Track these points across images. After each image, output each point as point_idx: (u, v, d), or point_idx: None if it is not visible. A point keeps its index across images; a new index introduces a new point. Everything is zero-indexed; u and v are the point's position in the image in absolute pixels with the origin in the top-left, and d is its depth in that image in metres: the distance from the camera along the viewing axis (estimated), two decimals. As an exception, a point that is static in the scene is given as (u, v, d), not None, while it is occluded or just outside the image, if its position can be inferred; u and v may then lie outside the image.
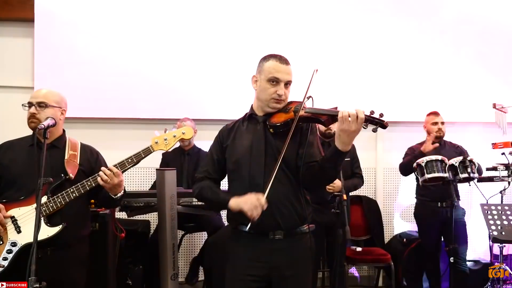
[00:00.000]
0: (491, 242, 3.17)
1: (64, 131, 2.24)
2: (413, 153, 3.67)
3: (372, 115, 1.68)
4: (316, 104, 1.87)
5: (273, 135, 1.88)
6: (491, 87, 4.30)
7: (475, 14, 4.40)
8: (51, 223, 1.98)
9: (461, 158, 3.27)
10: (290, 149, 1.83)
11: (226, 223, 3.33)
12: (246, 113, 2.02)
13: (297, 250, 1.89)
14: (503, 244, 3.26)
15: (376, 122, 1.69)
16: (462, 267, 3.48)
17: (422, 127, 3.86)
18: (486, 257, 4.31)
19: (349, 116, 1.64)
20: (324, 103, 3.42)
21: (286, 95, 1.92)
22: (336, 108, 1.84)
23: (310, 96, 1.88)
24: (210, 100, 4.03)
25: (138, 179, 4.13)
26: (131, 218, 3.66)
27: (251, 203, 1.74)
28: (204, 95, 4.04)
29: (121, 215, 3.60)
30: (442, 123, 3.71)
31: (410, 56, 4.35)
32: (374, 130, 1.70)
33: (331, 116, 1.77)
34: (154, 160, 3.31)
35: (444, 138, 3.78)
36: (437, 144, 3.55)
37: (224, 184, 2.03)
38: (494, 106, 3.44)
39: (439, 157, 3.34)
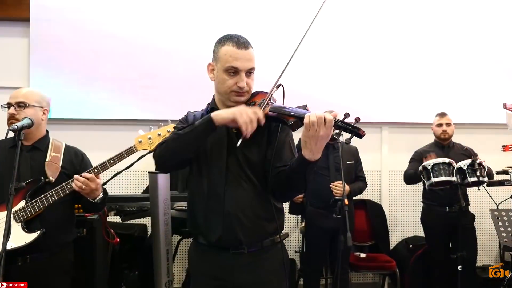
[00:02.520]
0: (501, 250, 3.00)
1: (47, 132, 2.14)
2: (420, 160, 3.50)
3: (343, 120, 1.43)
4: (298, 97, 1.58)
5: (236, 134, 1.57)
6: (502, 88, 4.13)
7: (485, 13, 4.24)
8: (29, 228, 1.88)
9: (469, 161, 3.10)
10: (256, 151, 1.60)
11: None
12: (208, 104, 1.72)
13: (264, 266, 1.63)
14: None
15: (348, 130, 1.41)
16: (471, 275, 3.31)
17: (429, 129, 3.73)
18: (495, 263, 4.14)
19: (316, 120, 1.37)
20: (326, 105, 3.36)
21: (250, 85, 1.59)
22: (306, 106, 1.52)
23: (280, 85, 1.56)
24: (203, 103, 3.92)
25: (132, 183, 4.02)
26: (128, 222, 3.55)
27: (247, 115, 1.45)
28: (198, 97, 3.93)
29: (117, 219, 3.49)
30: (448, 124, 3.55)
31: (418, 56, 4.20)
32: (347, 142, 1.46)
33: (299, 119, 1.46)
34: (148, 163, 3.19)
35: (453, 140, 3.63)
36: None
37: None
38: (505, 106, 3.28)
39: (446, 160, 3.18)
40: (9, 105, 2.03)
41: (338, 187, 3.14)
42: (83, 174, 1.93)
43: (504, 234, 2.76)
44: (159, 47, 3.99)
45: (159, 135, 2.01)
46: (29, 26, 3.88)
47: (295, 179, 1.52)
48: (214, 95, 1.70)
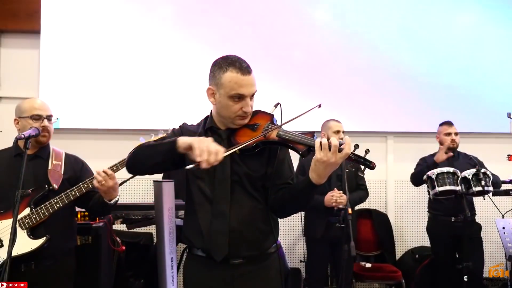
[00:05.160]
0: (507, 261, 2.98)
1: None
2: (425, 163, 3.52)
3: (354, 152, 1.47)
4: (291, 110, 1.58)
5: (239, 156, 1.61)
6: (506, 97, 4.12)
7: (488, 23, 4.24)
8: (34, 235, 1.92)
9: (474, 170, 3.09)
10: (256, 168, 1.63)
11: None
12: (205, 121, 1.72)
13: (262, 274, 1.66)
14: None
15: (361, 162, 1.46)
16: (478, 286, 3.27)
17: (434, 138, 3.71)
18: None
19: (330, 147, 1.39)
20: (332, 116, 3.39)
21: (252, 107, 1.63)
22: (312, 135, 1.54)
23: (278, 103, 1.62)
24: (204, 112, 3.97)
25: (138, 191, 4.06)
26: (134, 230, 3.59)
27: (207, 146, 1.41)
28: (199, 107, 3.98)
29: (123, 227, 3.53)
30: (456, 133, 3.55)
31: (423, 66, 4.21)
32: (361, 174, 1.50)
33: (309, 147, 1.49)
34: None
35: (458, 149, 3.61)
36: (451, 154, 3.38)
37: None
38: (510, 115, 3.27)
39: (451, 169, 3.17)
40: (39, 116, 2.08)
41: (335, 196, 3.10)
42: (104, 169, 1.97)
43: (510, 244, 2.73)
44: (168, 58, 4.05)
45: None
46: (39, 38, 3.97)
47: (300, 199, 1.59)
48: (211, 114, 1.71)
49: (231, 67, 1.57)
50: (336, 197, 3.09)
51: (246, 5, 4.12)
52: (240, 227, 1.61)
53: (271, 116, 1.65)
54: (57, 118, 2.13)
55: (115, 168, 2.05)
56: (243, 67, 1.57)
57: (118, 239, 2.97)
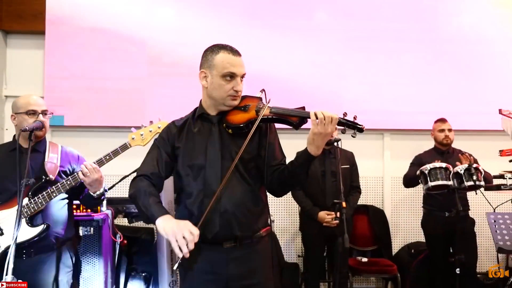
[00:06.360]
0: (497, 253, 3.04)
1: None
2: (420, 164, 3.56)
3: (345, 117, 1.62)
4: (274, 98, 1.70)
5: (230, 136, 1.73)
6: (499, 95, 4.17)
7: (482, 22, 4.31)
8: (32, 224, 2.02)
9: (466, 165, 3.16)
10: (248, 150, 1.70)
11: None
12: (195, 110, 1.83)
13: (255, 257, 1.75)
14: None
15: (351, 126, 1.61)
16: (472, 279, 3.34)
17: (430, 135, 3.79)
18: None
19: (324, 118, 1.55)
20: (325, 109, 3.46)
21: (242, 90, 1.75)
22: (303, 108, 1.68)
23: (263, 89, 1.73)
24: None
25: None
26: (135, 225, 3.69)
27: (181, 237, 1.52)
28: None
29: (124, 222, 3.62)
30: (450, 130, 3.62)
31: (418, 64, 4.28)
32: (353, 135, 1.63)
33: (302, 118, 1.64)
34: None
35: (453, 146, 3.69)
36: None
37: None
38: (500, 112, 3.33)
39: (443, 165, 3.24)
40: (34, 111, 2.17)
41: (327, 219, 3.28)
42: (90, 163, 2.08)
43: (499, 237, 2.80)
44: (170, 55, 4.14)
45: (150, 131, 2.17)
46: (44, 39, 4.09)
47: (299, 174, 1.68)
48: (201, 102, 1.81)
49: (222, 49, 1.72)
50: (327, 220, 3.28)
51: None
52: (232, 208, 1.68)
53: (259, 98, 1.75)
54: (52, 113, 2.21)
55: (100, 162, 2.15)
56: (233, 49, 1.73)
57: (120, 233, 3.07)
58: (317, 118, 1.57)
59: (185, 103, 3.95)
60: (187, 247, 1.52)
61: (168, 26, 4.18)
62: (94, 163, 2.10)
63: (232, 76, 1.69)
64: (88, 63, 4.10)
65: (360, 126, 1.61)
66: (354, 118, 1.64)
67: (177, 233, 1.53)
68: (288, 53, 4.18)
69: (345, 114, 1.64)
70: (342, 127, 1.65)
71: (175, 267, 1.57)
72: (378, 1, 4.31)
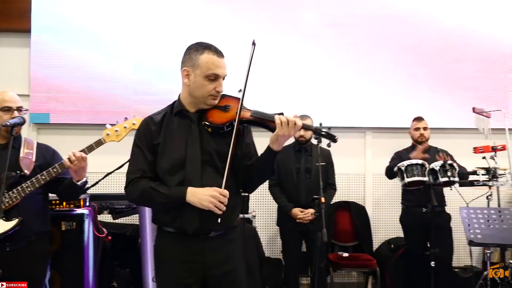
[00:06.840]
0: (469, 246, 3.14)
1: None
2: (400, 158, 3.68)
3: (321, 128, 1.80)
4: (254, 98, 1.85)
5: (209, 134, 1.78)
6: (474, 95, 4.31)
7: (458, 23, 4.43)
8: (7, 218, 2.06)
9: (441, 162, 3.27)
10: (226, 145, 1.76)
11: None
12: (172, 106, 1.87)
13: (229, 245, 1.83)
14: (491, 250, 3.25)
15: (326, 136, 1.77)
16: (447, 272, 3.45)
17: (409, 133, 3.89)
18: (477, 265, 4.27)
19: (288, 123, 1.69)
20: (310, 112, 3.53)
21: (222, 90, 1.81)
22: (282, 113, 1.76)
23: (240, 89, 1.80)
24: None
25: (123, 182, 4.18)
26: (121, 222, 3.73)
27: (214, 200, 1.67)
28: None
29: (109, 218, 3.66)
30: (425, 128, 3.72)
31: (399, 65, 4.38)
32: (328, 145, 1.76)
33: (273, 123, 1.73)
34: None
35: (430, 143, 3.79)
36: (427, 155, 3.50)
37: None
38: (474, 110, 3.44)
39: (420, 161, 3.34)
40: (9, 108, 2.20)
41: (300, 216, 3.39)
42: (77, 152, 2.14)
43: (471, 231, 2.90)
44: (158, 53, 4.21)
45: (125, 127, 2.22)
46: (30, 37, 4.12)
47: (266, 169, 1.81)
48: (180, 98, 1.86)
49: (207, 49, 1.76)
50: (300, 216, 3.39)
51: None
52: None
53: (238, 98, 1.80)
54: (27, 109, 2.26)
55: (84, 152, 2.21)
56: (218, 51, 1.77)
57: (103, 228, 3.11)
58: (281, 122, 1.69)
59: (170, 102, 4.13)
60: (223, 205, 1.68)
61: (154, 26, 4.24)
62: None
63: (215, 77, 1.75)
64: (74, 62, 4.15)
65: (334, 137, 1.76)
66: (329, 128, 1.76)
67: (207, 198, 1.68)
68: (270, 53, 4.26)
69: (320, 125, 1.73)
70: (317, 137, 1.77)
71: (219, 220, 1.70)
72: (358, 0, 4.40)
